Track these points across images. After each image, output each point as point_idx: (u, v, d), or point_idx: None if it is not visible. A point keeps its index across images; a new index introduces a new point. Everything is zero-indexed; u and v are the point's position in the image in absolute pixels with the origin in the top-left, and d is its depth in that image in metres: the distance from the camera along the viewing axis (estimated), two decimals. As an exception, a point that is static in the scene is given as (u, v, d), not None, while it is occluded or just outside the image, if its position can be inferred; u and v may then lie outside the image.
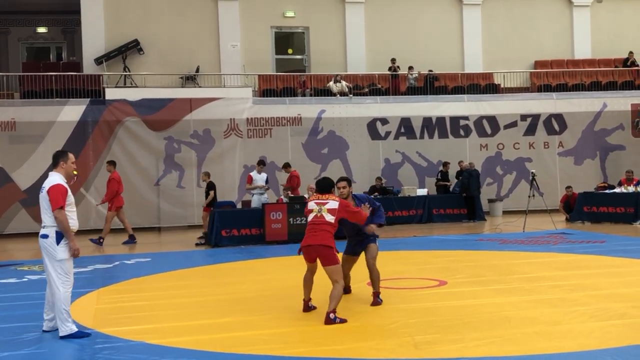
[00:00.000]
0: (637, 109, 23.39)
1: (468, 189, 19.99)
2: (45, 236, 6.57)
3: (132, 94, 20.90)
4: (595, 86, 24.03)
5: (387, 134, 22.39)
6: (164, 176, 20.94)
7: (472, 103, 22.88)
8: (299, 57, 24.86)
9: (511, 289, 8.57)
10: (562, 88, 23.98)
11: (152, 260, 12.91)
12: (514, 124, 23.02)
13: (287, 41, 25.20)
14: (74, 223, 6.71)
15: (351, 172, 21.93)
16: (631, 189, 18.35)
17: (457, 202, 20.39)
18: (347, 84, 22.70)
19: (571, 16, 25.84)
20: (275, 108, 21.78)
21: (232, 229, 15.58)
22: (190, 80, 22.43)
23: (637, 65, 24.83)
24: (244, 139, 21.41)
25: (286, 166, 18.15)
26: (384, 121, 22.35)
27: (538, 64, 25.36)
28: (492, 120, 22.93)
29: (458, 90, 23.39)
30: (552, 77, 24.67)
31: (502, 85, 24.09)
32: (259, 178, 16.85)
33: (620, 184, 19.11)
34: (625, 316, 6.91)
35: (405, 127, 22.42)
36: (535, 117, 23.09)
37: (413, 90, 23.14)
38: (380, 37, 24.49)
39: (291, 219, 15.54)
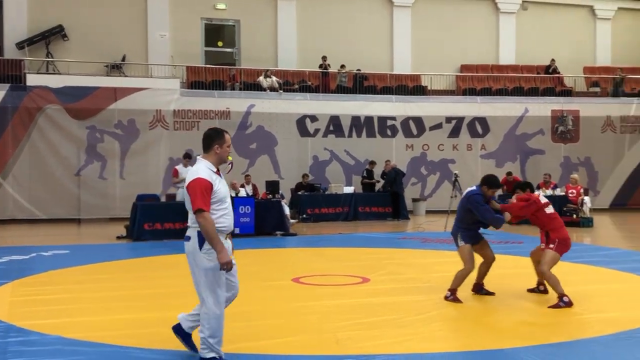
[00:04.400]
0: (557, 114, 24.21)
1: (394, 184, 20.25)
2: (188, 238, 5.24)
3: (55, 81, 20.26)
4: (518, 91, 24.74)
5: (316, 131, 22.46)
6: (86, 166, 20.39)
7: (399, 104, 23.20)
8: (229, 50, 24.64)
9: (432, 287, 8.73)
10: (486, 92, 24.58)
11: (70, 253, 12.53)
12: (439, 126, 23.47)
13: (218, 33, 24.93)
14: (226, 225, 5.25)
15: (279, 168, 21.94)
16: (549, 192, 18.98)
17: (383, 201, 20.63)
18: (278, 79, 22.64)
19: (497, 22, 26.52)
20: (203, 101, 21.51)
21: (156, 222, 15.29)
22: (115, 69, 21.90)
23: (559, 73, 25.70)
24: (170, 131, 21.07)
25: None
26: (314, 118, 22.41)
27: (464, 68, 25.92)
28: (418, 121, 23.30)
29: (386, 90, 23.67)
30: (477, 81, 25.27)
31: (429, 87, 24.52)
32: (185, 172, 16.51)
33: (538, 188, 19.73)
34: (541, 315, 7.13)
35: (334, 125, 22.55)
36: (460, 120, 23.60)
37: (343, 89, 23.28)
38: (311, 34, 24.54)
39: (216, 214, 15.34)
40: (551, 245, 7.67)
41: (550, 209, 7.93)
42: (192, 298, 8.08)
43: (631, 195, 24.76)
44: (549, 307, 7.43)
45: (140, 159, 20.63)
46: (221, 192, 5.19)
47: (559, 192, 19.16)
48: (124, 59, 22.07)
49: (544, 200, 8.00)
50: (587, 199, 19.34)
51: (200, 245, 5.11)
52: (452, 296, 7.83)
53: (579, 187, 19.25)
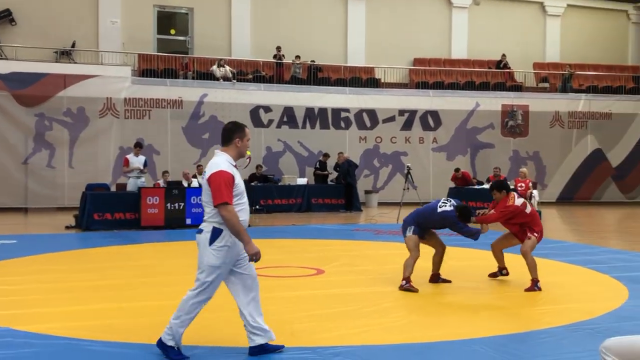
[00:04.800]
0: (507, 109, 24.61)
1: (347, 176, 20.32)
2: (200, 231, 5.15)
3: (2, 67, 19.73)
4: (470, 86, 25.06)
5: (270, 122, 22.37)
6: (33, 155, 19.92)
7: (353, 96, 23.26)
8: (181, 38, 24.31)
9: (387, 278, 8.78)
10: (438, 86, 24.84)
11: (17, 243, 12.23)
12: (392, 119, 23.62)
13: (170, 21, 24.58)
14: (244, 218, 5.13)
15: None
16: (498, 185, 19.25)
17: (336, 192, 20.69)
18: (231, 69, 22.45)
19: (450, 17, 26.77)
20: (155, 89, 21.18)
21: (105, 212, 15.02)
22: (65, 55, 21.41)
23: (509, 68, 26.11)
24: (121, 120, 20.72)
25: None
26: (267, 109, 22.30)
27: (417, 62, 26.12)
28: (371, 113, 23.41)
29: (340, 82, 23.69)
30: (430, 75, 25.50)
31: (382, 80, 24.65)
32: (136, 161, 16.29)
33: (488, 181, 20.03)
34: (490, 307, 7.24)
35: (288, 116, 22.49)
36: (413, 113, 23.79)
37: (297, 80, 23.21)
38: (266, 24, 24.39)
39: (169, 204, 15.20)
40: (535, 234, 8.21)
41: (528, 208, 8.23)
42: (143, 289, 8.01)
43: (577, 189, 25.37)
44: (525, 289, 7.97)
45: (89, 148, 20.23)
46: (241, 186, 5.13)
47: (508, 185, 19.45)
48: (73, 45, 21.57)
49: (520, 202, 8.18)
50: (535, 192, 19.70)
51: (212, 241, 5.03)
52: (407, 284, 7.95)
53: (528, 180, 19.59)
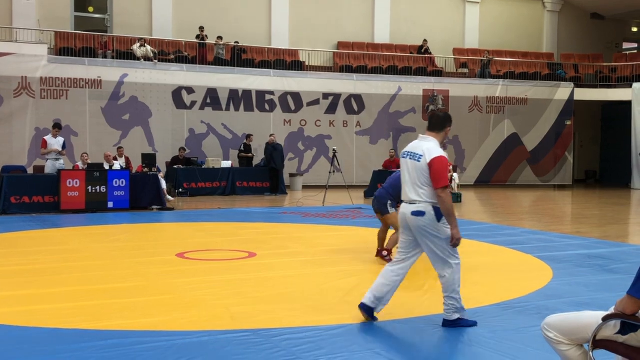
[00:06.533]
0: (427, 94, 25.04)
1: (272, 161, 20.25)
2: (421, 213, 5.37)
3: None
4: (392, 70, 25.34)
5: (193, 103, 22.00)
6: (-57, 135, 18.94)
7: (277, 79, 23.13)
8: (100, 16, 23.54)
9: (319, 260, 8.80)
10: (362, 70, 25.01)
11: None
12: (316, 102, 23.65)
13: (88, -2, 23.77)
14: None
15: (153, 141, 21.34)
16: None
17: (261, 176, 20.57)
18: (152, 49, 21.91)
19: (373, 1, 26.90)
20: (72, 68, 20.45)
21: (23, 195, 14.46)
22: (-24, 31, 20.38)
23: (430, 53, 26.54)
24: (37, 100, 19.93)
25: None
26: (190, 90, 21.91)
27: (341, 45, 26.20)
28: (296, 96, 23.36)
29: (265, 64, 23.52)
30: (354, 59, 25.63)
31: (307, 63, 24.60)
32: (55, 142, 15.71)
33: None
34: (424, 287, 7.37)
35: (212, 97, 22.17)
36: (337, 97, 23.88)
37: (220, 62, 22.89)
38: (188, 3, 23.92)
39: (90, 187, 14.76)
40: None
41: None
42: (68, 274, 7.75)
43: (494, 172, 26.15)
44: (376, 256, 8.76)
45: (4, 129, 19.41)
46: None
47: (430, 168, 19.84)
48: (-15, 21, 20.58)
49: None
50: (455, 175, 20.18)
51: (439, 218, 5.36)
52: (388, 256, 8.40)
53: (449, 164, 20.03)
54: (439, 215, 5.36)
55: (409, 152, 5.55)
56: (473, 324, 5.62)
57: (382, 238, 8.84)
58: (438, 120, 5.61)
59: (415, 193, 5.42)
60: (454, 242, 5.38)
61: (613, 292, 6.78)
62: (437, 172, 5.29)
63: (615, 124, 29.04)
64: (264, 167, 20.64)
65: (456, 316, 5.56)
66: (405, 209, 5.51)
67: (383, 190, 8.70)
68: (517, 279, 7.88)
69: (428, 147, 5.41)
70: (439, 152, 5.38)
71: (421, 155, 5.38)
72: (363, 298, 5.75)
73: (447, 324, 5.58)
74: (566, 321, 3.78)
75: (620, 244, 10.69)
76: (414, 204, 5.43)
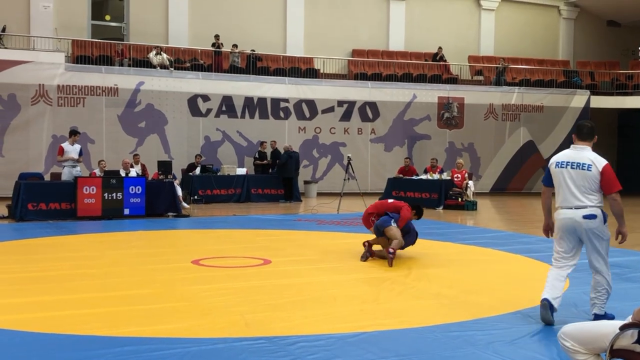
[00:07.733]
0: (443, 101, 25.02)
1: (286, 169, 20.30)
2: (592, 216, 5.89)
3: None
4: (407, 78, 25.33)
5: (208, 111, 22.10)
6: (-38, 143, 19.14)
7: (292, 86, 23.20)
8: (117, 24, 23.73)
9: (334, 267, 8.81)
10: (376, 77, 25.03)
11: (-53, 234, 11.75)
12: (331, 109, 23.68)
13: (105, 6, 23.99)
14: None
15: (169, 148, 21.46)
16: (436, 176, 19.62)
17: (275, 183, 20.61)
18: (168, 56, 22.05)
19: (388, 9, 26.96)
20: (89, 76, 20.62)
21: (40, 202, 14.56)
22: (-5, 39, 20.62)
23: (445, 60, 26.52)
24: (54, 107, 20.11)
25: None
26: (205, 98, 22.02)
27: (355, 53, 26.25)
28: (311, 104, 23.42)
29: (279, 72, 23.60)
30: (368, 67, 25.66)
31: (321, 71, 24.66)
32: (72, 149, 15.81)
33: (425, 172, 20.36)
34: (439, 295, 7.35)
35: (227, 105, 22.27)
36: (351, 104, 23.91)
37: (235, 69, 22.99)
38: (204, 12, 24.05)
39: (106, 194, 14.85)
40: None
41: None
42: (86, 281, 7.79)
43: (510, 180, 26.05)
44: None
45: (21, 136, 19.59)
46: None
47: (445, 176, 19.81)
48: (4, 29, 20.80)
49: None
50: (471, 183, 20.11)
51: (605, 220, 5.93)
52: (393, 253, 8.98)
53: (464, 171, 19.99)
54: (605, 218, 5.93)
55: (569, 161, 5.98)
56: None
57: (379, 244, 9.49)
58: (589, 130, 6.05)
59: (586, 198, 5.91)
60: (623, 239, 5.92)
61: (630, 301, 6.73)
62: (610, 178, 5.85)
63: (632, 131, 28.86)
64: (276, 175, 20.62)
65: (604, 310, 6.03)
66: (572, 214, 5.94)
67: (388, 217, 9.38)
68: (533, 288, 7.80)
69: (594, 156, 5.92)
70: (604, 160, 5.90)
71: (590, 165, 5.87)
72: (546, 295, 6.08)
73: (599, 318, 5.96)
74: (583, 330, 3.78)
75: (638, 253, 10.60)
76: (583, 208, 5.91)
